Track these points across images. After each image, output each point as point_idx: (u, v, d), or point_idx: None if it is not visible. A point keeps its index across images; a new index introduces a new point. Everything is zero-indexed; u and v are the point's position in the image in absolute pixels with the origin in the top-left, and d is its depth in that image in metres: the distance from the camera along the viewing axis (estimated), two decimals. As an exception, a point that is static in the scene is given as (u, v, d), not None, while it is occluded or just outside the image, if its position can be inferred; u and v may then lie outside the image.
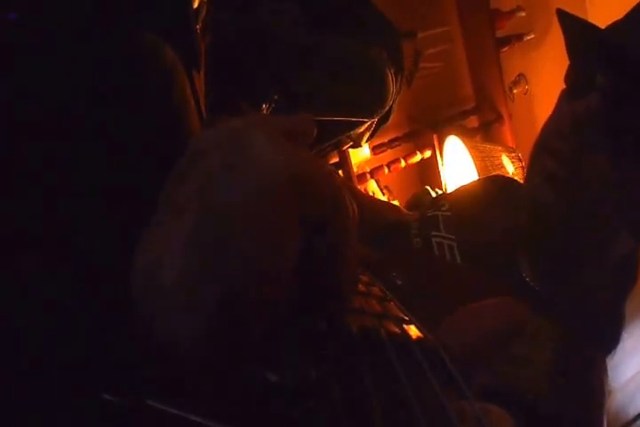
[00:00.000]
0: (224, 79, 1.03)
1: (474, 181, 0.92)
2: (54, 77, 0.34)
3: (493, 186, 0.81)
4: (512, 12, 2.22)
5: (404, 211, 1.07)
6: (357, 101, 1.36)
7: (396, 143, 2.31)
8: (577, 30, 0.64)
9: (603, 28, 0.62)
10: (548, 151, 0.63)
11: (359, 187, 2.16)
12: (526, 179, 0.67)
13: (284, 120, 0.34)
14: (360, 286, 0.43)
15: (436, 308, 0.43)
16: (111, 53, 0.36)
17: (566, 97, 0.64)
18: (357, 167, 2.22)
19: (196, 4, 0.57)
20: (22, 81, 0.33)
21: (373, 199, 1.18)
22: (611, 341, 0.60)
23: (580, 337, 0.53)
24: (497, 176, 1.00)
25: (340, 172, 2.12)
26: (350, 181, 2.10)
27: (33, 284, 0.31)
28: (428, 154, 2.32)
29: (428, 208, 0.80)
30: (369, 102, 1.36)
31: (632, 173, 0.57)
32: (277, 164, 0.28)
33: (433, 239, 0.71)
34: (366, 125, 1.53)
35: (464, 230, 0.71)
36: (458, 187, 0.99)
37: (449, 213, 0.76)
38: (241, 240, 0.26)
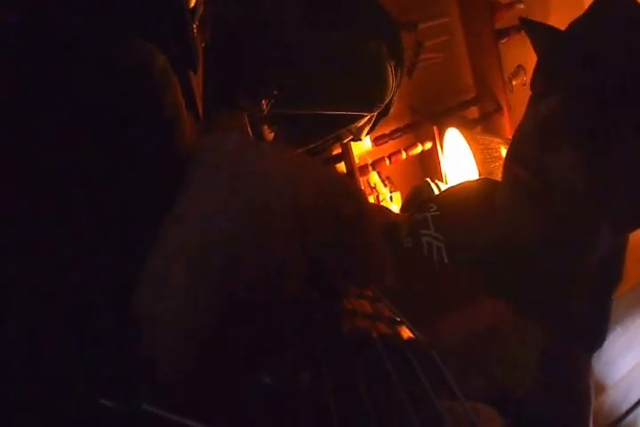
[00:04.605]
0: (224, 74, 1.04)
1: (463, 184, 0.92)
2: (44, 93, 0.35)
3: (482, 189, 0.81)
4: (511, 4, 2.22)
5: (394, 213, 1.07)
6: (357, 96, 1.36)
7: (398, 134, 2.30)
8: (541, 35, 0.64)
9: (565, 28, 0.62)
10: (515, 158, 0.63)
11: (361, 179, 2.17)
12: (500, 189, 0.67)
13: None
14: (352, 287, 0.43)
15: (423, 308, 0.44)
16: (101, 68, 0.37)
17: (532, 102, 0.64)
18: (359, 159, 2.23)
19: (192, 3, 0.57)
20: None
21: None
22: (596, 340, 0.61)
23: (566, 338, 0.53)
24: (487, 179, 1.00)
25: (343, 164, 2.12)
26: (352, 173, 2.11)
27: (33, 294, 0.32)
28: (428, 146, 2.32)
29: (417, 211, 0.80)
30: (368, 96, 1.36)
31: (601, 169, 0.57)
32: (279, 184, 0.28)
33: (422, 238, 0.71)
34: (366, 119, 1.53)
35: (451, 232, 0.71)
36: (446, 189, 0.99)
37: (438, 213, 0.76)
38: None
